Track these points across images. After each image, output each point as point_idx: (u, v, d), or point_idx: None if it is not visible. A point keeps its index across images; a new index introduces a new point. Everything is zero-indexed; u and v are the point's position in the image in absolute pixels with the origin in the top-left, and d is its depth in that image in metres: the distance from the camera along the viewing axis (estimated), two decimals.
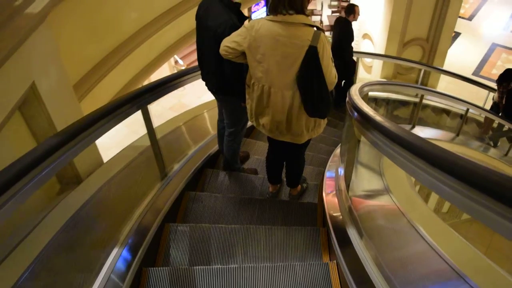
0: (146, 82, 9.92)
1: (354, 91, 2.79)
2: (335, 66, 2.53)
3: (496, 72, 12.82)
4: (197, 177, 3.58)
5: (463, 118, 6.29)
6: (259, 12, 14.21)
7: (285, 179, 3.49)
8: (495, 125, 7.46)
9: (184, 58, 13.10)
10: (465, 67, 12.27)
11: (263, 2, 14.17)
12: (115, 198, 2.74)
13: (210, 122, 4.34)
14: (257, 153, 4.19)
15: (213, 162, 3.90)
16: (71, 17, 3.75)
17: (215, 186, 3.60)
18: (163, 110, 10.68)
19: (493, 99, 7.20)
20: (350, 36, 6.19)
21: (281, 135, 2.72)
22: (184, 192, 3.22)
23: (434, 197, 4.51)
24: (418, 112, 5.97)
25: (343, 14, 6.34)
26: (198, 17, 2.85)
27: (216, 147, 3.86)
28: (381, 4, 8.40)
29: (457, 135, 6.19)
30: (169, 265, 2.60)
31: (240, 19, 2.66)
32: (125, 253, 2.28)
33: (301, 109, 2.53)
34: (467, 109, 6.09)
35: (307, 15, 2.35)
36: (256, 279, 2.37)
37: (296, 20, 2.30)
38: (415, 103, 6.91)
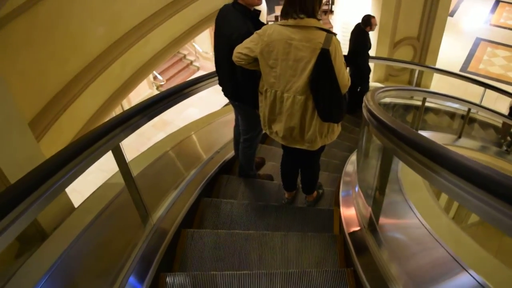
0: (124, 104, 8.91)
1: (372, 98, 2.75)
2: (351, 73, 2.50)
3: (483, 66, 12.95)
4: (212, 184, 3.58)
5: (465, 118, 6.23)
6: None
7: (300, 185, 3.48)
8: None
9: (163, 73, 13.00)
10: (453, 63, 12.11)
11: None
12: (95, 251, 2.36)
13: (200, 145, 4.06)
14: (273, 159, 4.19)
15: (228, 169, 3.91)
16: (23, 39, 3.27)
17: (230, 193, 3.60)
18: (146, 127, 10.09)
19: (510, 104, 7.10)
20: (365, 44, 6.24)
21: (294, 142, 2.71)
22: (200, 198, 3.23)
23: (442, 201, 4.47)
24: (421, 116, 5.99)
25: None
26: (216, 24, 2.88)
27: (231, 154, 3.88)
28: (368, 5, 8.34)
29: (459, 136, 6.13)
30: (186, 271, 2.61)
31: (256, 26, 2.65)
32: (143, 257, 2.29)
33: (314, 114, 2.53)
34: (469, 109, 6.03)
35: (319, 19, 2.37)
36: (271, 286, 2.36)
37: (307, 24, 2.32)
38: (415, 107, 6.90)
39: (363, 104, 2.72)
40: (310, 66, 2.34)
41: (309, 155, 2.90)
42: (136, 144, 9.19)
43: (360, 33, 6.18)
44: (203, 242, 2.78)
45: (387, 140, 1.97)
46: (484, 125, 7.77)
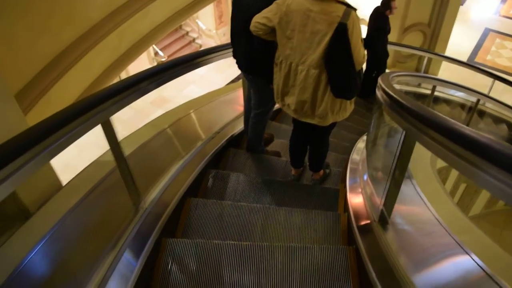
0: (123, 75, 8.66)
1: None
2: (368, 57, 2.45)
3: (491, 58, 12.76)
4: (219, 157, 3.59)
5: (473, 110, 6.20)
6: None
7: (308, 163, 3.46)
8: None
9: (164, 49, 12.59)
10: (460, 53, 11.86)
11: None
12: (83, 231, 2.21)
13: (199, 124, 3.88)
14: (281, 136, 4.18)
15: (237, 143, 3.91)
16: (11, 3, 2.99)
17: (237, 166, 3.60)
18: (144, 104, 10.21)
19: None
20: (385, 27, 6.11)
21: (305, 115, 2.70)
22: (206, 169, 3.23)
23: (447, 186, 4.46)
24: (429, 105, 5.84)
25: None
26: None
27: (240, 128, 3.87)
28: None
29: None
30: (188, 238, 2.62)
31: None
32: (146, 222, 2.28)
33: (327, 90, 2.50)
34: (478, 100, 5.95)
35: None
36: (273, 257, 2.37)
37: None
38: (423, 95, 6.76)
39: (377, 85, 2.63)
40: (326, 39, 2.31)
41: (319, 130, 2.90)
42: (134, 121, 9.18)
43: (378, 17, 6.05)
44: (207, 211, 2.79)
45: (406, 122, 1.82)
46: (497, 120, 7.63)
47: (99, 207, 2.35)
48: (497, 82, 7.05)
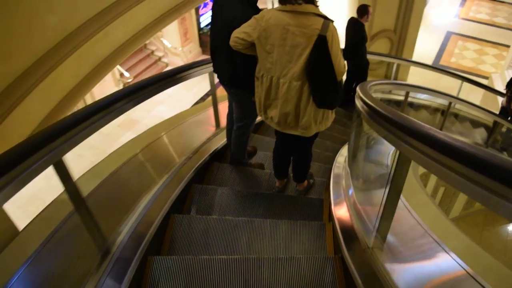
0: (88, 99, 8.11)
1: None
2: (348, 67, 2.50)
3: (455, 60, 13.19)
4: (204, 170, 3.58)
5: (445, 113, 6.27)
6: (208, 14, 13.56)
7: (291, 175, 3.49)
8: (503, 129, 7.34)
9: (130, 70, 12.15)
10: (425, 57, 12.14)
11: (211, 4, 13.67)
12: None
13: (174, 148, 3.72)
14: (264, 148, 4.20)
15: (220, 157, 3.90)
16: None
17: (221, 180, 3.60)
18: (112, 127, 9.71)
19: (501, 103, 7.15)
20: (363, 37, 6.18)
21: (289, 127, 2.72)
22: (190, 184, 3.21)
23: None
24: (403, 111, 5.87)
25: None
26: (214, 10, 2.89)
27: (223, 142, 3.87)
28: None
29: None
30: (174, 255, 2.60)
31: (256, 12, 2.64)
32: (131, 241, 2.27)
33: (309, 101, 2.53)
34: (450, 103, 6.07)
35: (317, 5, 2.38)
36: (260, 270, 2.37)
37: (305, 10, 2.32)
38: (395, 101, 6.81)
39: (356, 94, 2.70)
40: (307, 52, 2.35)
41: (302, 141, 2.93)
42: (103, 145, 8.93)
43: (357, 26, 6.10)
44: (192, 227, 2.78)
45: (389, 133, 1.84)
46: (476, 124, 7.80)
47: (60, 255, 2.17)
48: (459, 83, 7.25)
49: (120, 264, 2.09)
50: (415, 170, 3.60)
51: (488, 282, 1.72)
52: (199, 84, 10.73)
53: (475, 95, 9.28)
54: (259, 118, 3.13)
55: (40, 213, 2.37)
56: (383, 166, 3.37)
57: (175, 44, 13.07)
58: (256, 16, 2.50)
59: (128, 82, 11.25)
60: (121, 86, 11.11)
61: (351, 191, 2.71)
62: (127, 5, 4.14)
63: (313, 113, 2.59)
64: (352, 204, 2.57)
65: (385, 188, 1.89)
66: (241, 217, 3.02)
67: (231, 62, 2.83)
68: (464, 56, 13.54)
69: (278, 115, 2.65)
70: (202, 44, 13.90)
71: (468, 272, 1.78)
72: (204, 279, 2.31)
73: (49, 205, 2.45)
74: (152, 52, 13.44)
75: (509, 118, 6.76)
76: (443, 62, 13.11)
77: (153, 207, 2.61)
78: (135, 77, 11.87)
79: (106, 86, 10.29)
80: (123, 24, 4.23)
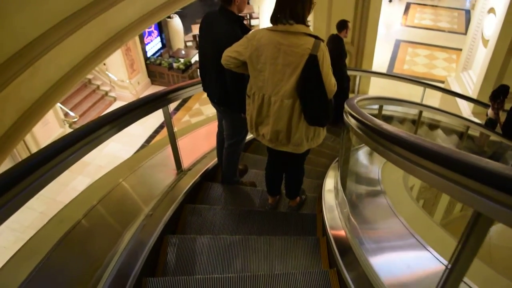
0: (31, 145, 7.77)
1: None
2: None
3: (408, 67, 13.65)
4: (195, 192, 3.55)
5: (417, 123, 6.43)
6: (154, 43, 13.60)
7: (284, 191, 3.51)
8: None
9: (75, 108, 11.38)
10: (378, 66, 12.36)
11: (156, 32, 13.57)
12: None
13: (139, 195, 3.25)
14: (256, 166, 4.21)
15: (211, 177, 3.89)
16: None
17: (214, 199, 3.59)
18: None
19: (487, 115, 7.30)
20: (342, 52, 6.29)
21: (281, 145, 2.75)
22: (183, 204, 3.20)
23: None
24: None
25: None
26: (201, 30, 2.95)
27: (213, 162, 3.86)
28: None
29: None
30: (168, 275, 2.58)
31: (243, 31, 2.74)
32: (125, 263, 2.27)
33: (301, 118, 2.58)
34: (420, 112, 6.20)
35: (307, 25, 2.44)
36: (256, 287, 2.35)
37: (296, 30, 2.38)
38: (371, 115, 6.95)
39: (344, 110, 2.77)
40: (298, 71, 2.40)
41: (294, 158, 2.94)
42: (51, 192, 8.19)
43: (336, 41, 6.20)
44: (186, 247, 2.77)
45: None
46: (447, 131, 7.99)
47: None
48: (416, 89, 7.41)
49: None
50: (406, 183, 3.68)
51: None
52: (149, 118, 10.45)
53: (432, 99, 9.56)
54: (249, 137, 3.14)
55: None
56: (373, 181, 3.42)
57: (121, 76, 12.52)
58: (247, 35, 2.57)
59: (74, 122, 10.68)
60: (66, 127, 10.53)
61: (344, 205, 2.75)
62: (57, 37, 3.49)
63: (305, 130, 2.64)
64: (346, 217, 2.61)
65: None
66: (235, 235, 3.03)
67: (220, 81, 2.87)
68: (416, 62, 13.99)
69: (270, 132, 2.68)
70: (150, 74, 13.54)
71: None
72: None
73: None
74: (98, 87, 12.78)
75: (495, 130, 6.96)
76: (396, 70, 13.52)
77: (145, 229, 2.61)
78: (81, 115, 11.27)
79: (51, 128, 9.84)
80: (55, 58, 3.64)
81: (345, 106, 2.76)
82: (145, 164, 3.51)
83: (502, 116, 6.88)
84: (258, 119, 2.72)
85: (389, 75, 8.12)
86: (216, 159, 3.82)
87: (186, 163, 3.53)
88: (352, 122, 2.46)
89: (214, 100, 3.13)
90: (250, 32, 2.62)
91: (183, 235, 2.93)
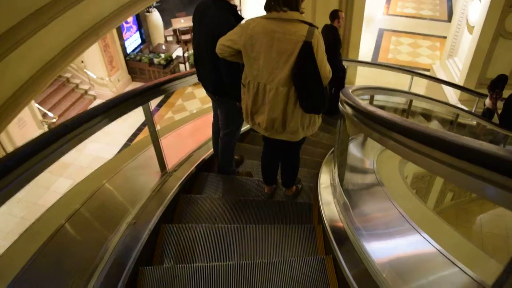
0: (6, 144, 7.46)
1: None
2: None
3: (392, 56, 13.58)
4: (192, 182, 3.55)
5: (407, 112, 6.46)
6: (133, 39, 13.26)
7: (280, 180, 3.53)
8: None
9: (53, 109, 10.88)
10: (362, 56, 12.01)
11: (134, 27, 13.23)
12: None
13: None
14: (251, 157, 4.22)
15: (208, 167, 3.90)
16: None
17: (211, 189, 3.61)
18: (41, 174, 8.66)
19: (484, 104, 7.33)
20: (337, 42, 6.27)
21: (276, 133, 2.76)
22: (179, 195, 3.19)
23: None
24: None
25: None
26: (195, 19, 2.94)
27: (210, 152, 3.87)
28: None
29: None
30: (165, 264, 2.61)
31: (237, 20, 2.75)
32: (121, 252, 2.29)
33: (296, 106, 2.59)
34: (410, 101, 6.26)
35: (301, 12, 2.43)
36: (253, 275, 2.39)
37: (290, 17, 2.38)
38: None
39: (340, 99, 2.76)
40: (293, 58, 2.41)
41: (290, 146, 2.97)
42: (32, 196, 7.90)
43: (330, 31, 6.15)
44: (183, 236, 2.78)
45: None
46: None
47: None
48: (402, 78, 7.32)
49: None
50: (402, 173, 3.72)
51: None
52: (134, 114, 10.30)
53: (418, 88, 9.52)
54: (244, 128, 3.17)
55: None
56: (368, 170, 3.42)
57: (101, 74, 12.04)
58: (241, 24, 2.57)
59: (53, 123, 10.19)
60: (45, 128, 10.07)
61: (339, 194, 2.75)
62: (27, 32, 3.28)
63: (300, 118, 2.65)
64: (341, 206, 2.62)
65: None
66: (232, 224, 3.04)
67: (215, 70, 2.87)
68: (400, 51, 13.96)
69: (265, 121, 2.69)
70: (130, 71, 13.11)
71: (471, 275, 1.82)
72: (196, 286, 2.32)
73: None
74: (77, 85, 12.26)
75: (491, 120, 6.97)
76: (381, 59, 13.46)
77: (141, 218, 2.59)
78: (60, 116, 10.82)
79: (28, 130, 9.43)
80: (26, 54, 3.44)
81: (340, 95, 2.74)
82: (127, 167, 3.26)
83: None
84: (253, 108, 2.72)
85: (377, 64, 8.20)
86: (203, 156, 3.77)
87: (171, 163, 3.32)
88: (348, 110, 2.45)
89: (209, 89, 3.13)
90: (244, 20, 2.62)
91: (180, 224, 2.93)
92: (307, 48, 2.36)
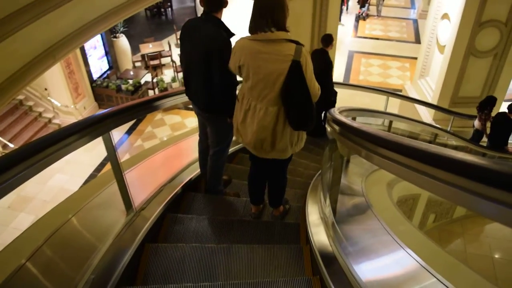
0: None
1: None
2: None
3: (363, 77, 13.76)
4: (179, 201, 3.52)
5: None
6: (99, 65, 12.87)
7: (267, 201, 3.50)
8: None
9: (14, 139, 10.28)
10: (336, 78, 11.93)
11: (101, 53, 12.85)
12: None
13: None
14: (239, 177, 4.20)
15: (195, 187, 3.86)
16: None
17: (198, 209, 3.57)
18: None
19: (473, 126, 7.37)
20: (329, 65, 6.35)
21: (265, 153, 2.77)
22: (165, 214, 3.15)
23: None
24: None
25: None
26: (185, 37, 2.95)
27: (197, 172, 3.84)
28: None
29: None
30: (150, 284, 2.53)
31: (228, 35, 2.81)
32: (103, 273, 2.22)
33: (285, 125, 2.60)
34: (390, 122, 6.30)
35: (287, 31, 2.46)
36: None
37: (277, 37, 2.40)
38: None
39: (328, 119, 2.76)
40: (282, 78, 2.42)
41: (277, 165, 2.97)
42: None
43: (322, 54, 6.22)
44: (168, 256, 2.72)
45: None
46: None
47: None
48: (377, 99, 7.37)
49: None
50: (390, 196, 3.67)
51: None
52: (100, 144, 9.86)
53: (392, 108, 9.49)
54: (233, 148, 3.26)
55: None
56: (356, 192, 3.34)
57: (65, 102, 11.50)
58: (233, 47, 2.62)
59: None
60: None
61: (328, 212, 2.73)
62: None
63: (289, 136, 2.67)
64: (330, 226, 2.60)
65: None
66: (218, 244, 2.99)
67: (207, 84, 2.89)
68: (370, 73, 14.14)
69: (254, 141, 2.69)
70: (97, 97, 12.56)
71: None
72: None
73: None
74: (40, 114, 11.58)
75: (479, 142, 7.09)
76: (352, 81, 13.62)
77: (125, 237, 2.55)
78: (26, 141, 10.22)
79: None
80: None
81: (328, 115, 2.75)
82: (88, 205, 2.81)
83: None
84: (242, 124, 2.73)
85: (360, 86, 8.31)
86: (176, 190, 3.49)
87: (139, 199, 2.97)
88: (336, 128, 2.44)
89: (201, 106, 3.14)
90: (236, 42, 2.62)
91: (165, 244, 2.87)
92: (296, 68, 2.38)
